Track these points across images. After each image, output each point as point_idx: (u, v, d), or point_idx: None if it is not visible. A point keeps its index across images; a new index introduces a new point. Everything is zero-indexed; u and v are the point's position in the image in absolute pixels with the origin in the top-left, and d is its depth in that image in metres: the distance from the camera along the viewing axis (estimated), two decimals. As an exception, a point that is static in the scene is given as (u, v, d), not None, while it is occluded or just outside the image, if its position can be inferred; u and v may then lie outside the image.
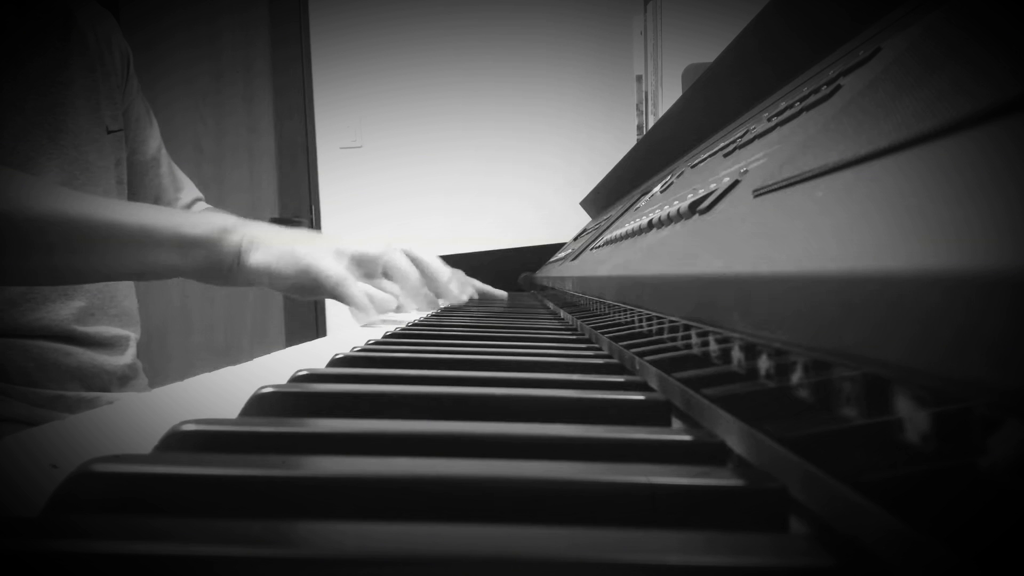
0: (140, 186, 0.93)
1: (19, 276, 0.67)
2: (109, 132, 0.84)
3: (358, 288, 0.67)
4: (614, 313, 0.45)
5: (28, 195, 0.62)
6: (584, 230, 1.33)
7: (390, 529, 0.14)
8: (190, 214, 0.68)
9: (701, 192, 0.38)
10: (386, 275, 0.71)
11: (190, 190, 1.00)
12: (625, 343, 0.38)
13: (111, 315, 0.83)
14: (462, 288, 0.79)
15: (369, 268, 0.70)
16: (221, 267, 0.67)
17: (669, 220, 0.39)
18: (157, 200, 0.95)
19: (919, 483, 0.12)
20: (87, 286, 0.80)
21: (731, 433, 0.20)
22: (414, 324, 0.63)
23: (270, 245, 0.67)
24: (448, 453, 0.20)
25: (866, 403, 0.14)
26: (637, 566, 0.13)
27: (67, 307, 0.78)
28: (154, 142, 0.96)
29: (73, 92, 0.80)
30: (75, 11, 0.83)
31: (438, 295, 0.77)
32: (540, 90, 2.30)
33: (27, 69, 0.76)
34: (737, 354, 0.21)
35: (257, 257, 0.67)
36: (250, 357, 0.47)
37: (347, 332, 0.67)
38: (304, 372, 0.32)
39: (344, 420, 0.23)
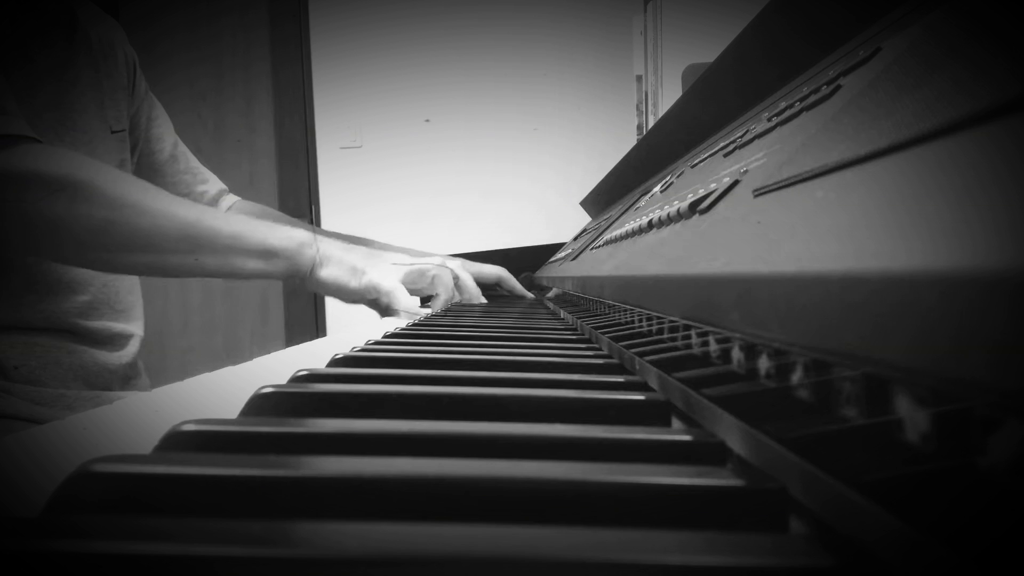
0: (160, 186, 0.93)
1: (130, 268, 0.75)
2: (113, 132, 0.85)
3: (406, 299, 0.80)
4: (614, 313, 0.45)
5: (147, 197, 0.69)
6: (584, 230, 1.33)
7: (390, 529, 0.14)
8: (275, 227, 0.77)
9: (701, 192, 0.38)
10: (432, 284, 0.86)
11: (214, 182, 1.03)
12: (625, 343, 0.38)
13: (116, 310, 0.84)
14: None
15: (419, 281, 0.83)
16: (297, 275, 0.76)
17: (669, 220, 0.39)
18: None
19: (919, 483, 0.12)
20: (92, 281, 0.81)
21: (731, 433, 0.20)
22: (414, 324, 0.63)
23: (340, 261, 0.77)
24: (448, 453, 0.20)
25: (866, 403, 0.14)
26: (637, 566, 0.13)
27: (70, 301, 0.78)
28: (169, 138, 0.98)
29: (79, 90, 0.81)
30: (78, 11, 0.84)
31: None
32: (540, 90, 2.30)
33: (36, 63, 0.78)
34: (737, 354, 0.21)
35: (327, 272, 0.77)
36: (250, 357, 0.47)
37: (347, 332, 0.67)
38: (304, 372, 0.31)
39: (344, 420, 0.23)
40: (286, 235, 0.75)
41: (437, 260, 0.86)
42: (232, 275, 0.74)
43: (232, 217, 0.79)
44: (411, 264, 0.82)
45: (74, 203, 0.64)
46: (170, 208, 0.70)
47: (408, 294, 0.80)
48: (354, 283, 0.78)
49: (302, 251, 0.75)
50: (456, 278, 0.88)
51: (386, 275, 0.79)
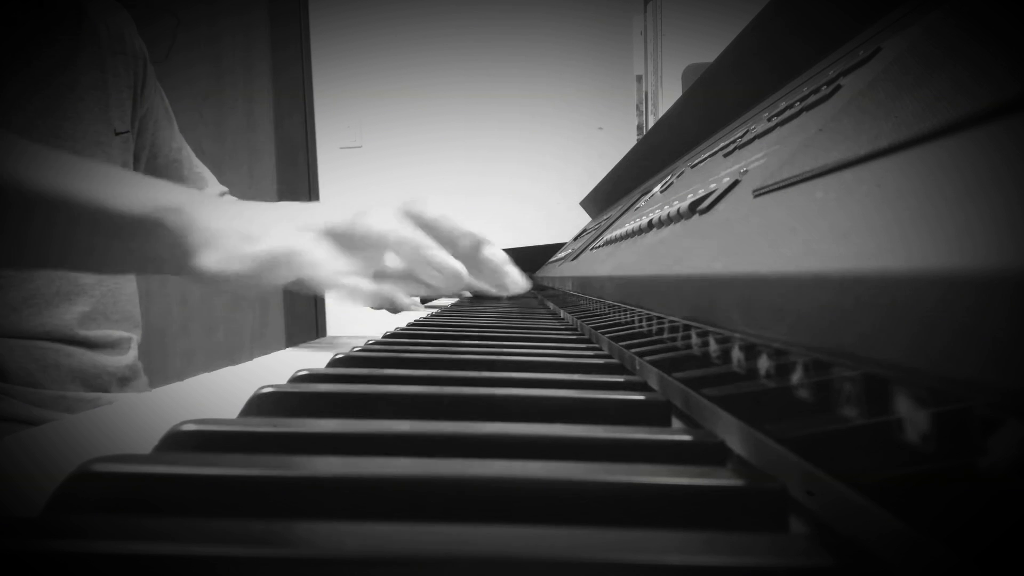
0: None
1: None
2: (117, 134, 0.82)
3: (358, 283, 0.49)
4: (614, 313, 0.45)
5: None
6: (584, 230, 1.33)
7: (390, 529, 0.14)
8: (126, 182, 0.49)
9: (701, 192, 0.38)
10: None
11: (214, 184, 0.99)
12: (625, 343, 0.38)
13: (113, 320, 0.83)
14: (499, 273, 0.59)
15: (362, 248, 0.50)
16: (171, 262, 0.48)
17: (669, 220, 0.39)
18: None
19: (919, 483, 0.12)
20: (91, 290, 0.79)
21: (731, 433, 0.20)
22: (414, 324, 0.63)
23: (225, 240, 0.48)
24: (448, 453, 0.20)
25: (866, 403, 0.14)
26: (637, 566, 0.13)
27: (70, 311, 0.77)
28: (175, 142, 0.94)
29: (77, 94, 0.78)
30: (87, 5, 0.81)
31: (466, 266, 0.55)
32: (540, 90, 2.30)
33: (34, 67, 0.74)
34: (737, 354, 0.21)
35: (210, 260, 0.47)
36: (250, 357, 0.47)
37: (347, 332, 0.67)
38: (304, 372, 0.32)
39: (344, 420, 0.23)
40: (140, 195, 0.47)
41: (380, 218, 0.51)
42: (104, 265, 0.51)
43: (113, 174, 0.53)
44: (333, 222, 0.49)
45: None
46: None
47: (347, 269, 0.49)
48: (251, 272, 0.47)
49: (164, 220, 0.47)
50: (428, 224, 0.54)
51: (309, 256, 0.48)
